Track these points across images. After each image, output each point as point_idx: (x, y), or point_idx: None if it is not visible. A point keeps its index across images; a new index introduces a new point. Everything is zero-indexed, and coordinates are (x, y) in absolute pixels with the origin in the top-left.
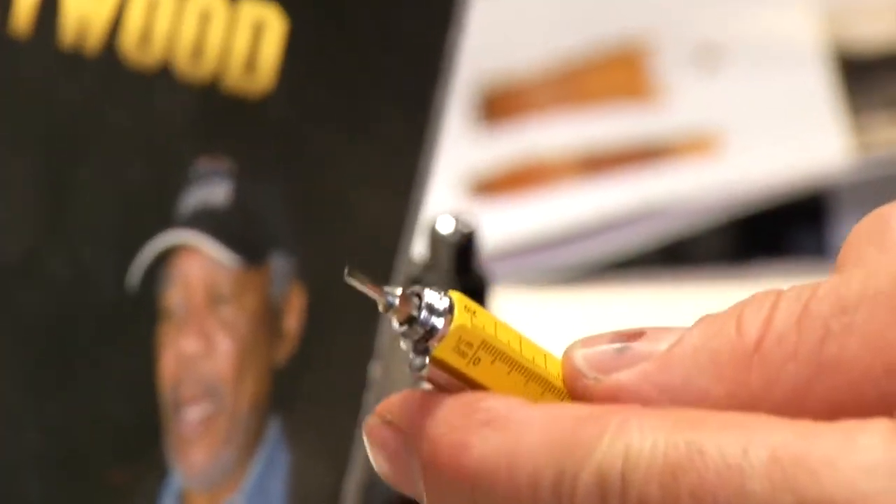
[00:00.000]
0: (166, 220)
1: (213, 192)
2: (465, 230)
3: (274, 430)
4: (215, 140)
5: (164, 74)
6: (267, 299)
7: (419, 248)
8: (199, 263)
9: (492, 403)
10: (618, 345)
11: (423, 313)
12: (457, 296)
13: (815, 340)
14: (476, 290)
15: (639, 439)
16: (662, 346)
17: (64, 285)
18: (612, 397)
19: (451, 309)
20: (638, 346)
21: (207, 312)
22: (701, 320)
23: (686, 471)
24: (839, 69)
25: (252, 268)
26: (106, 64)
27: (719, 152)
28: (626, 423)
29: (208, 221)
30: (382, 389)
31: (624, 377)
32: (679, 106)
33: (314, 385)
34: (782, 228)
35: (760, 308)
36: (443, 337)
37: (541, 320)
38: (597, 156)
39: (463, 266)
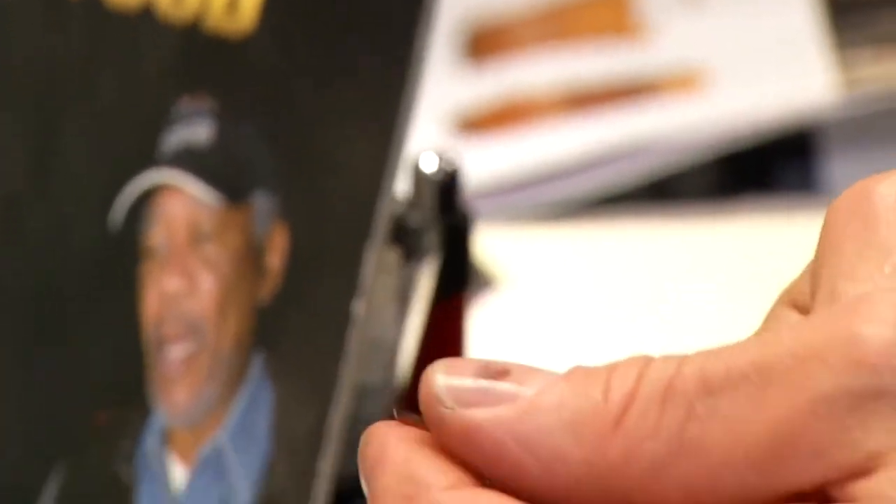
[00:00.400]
0: (149, 159)
1: (195, 131)
2: (449, 168)
3: (257, 367)
4: (197, 80)
5: (146, 16)
6: (249, 238)
7: (402, 186)
8: (182, 202)
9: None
10: (482, 381)
11: None
12: None
13: (678, 421)
14: (459, 228)
15: None
16: (527, 390)
17: (48, 228)
18: (466, 434)
19: None
20: (502, 386)
21: (190, 251)
22: (572, 372)
23: None
24: (825, 5)
25: (234, 206)
26: (89, 6)
27: (705, 88)
28: None
29: (190, 160)
30: (366, 326)
31: (481, 415)
32: (664, 42)
33: (297, 323)
34: (769, 164)
35: (627, 376)
36: None
37: (526, 257)
38: (582, 93)
39: (446, 204)
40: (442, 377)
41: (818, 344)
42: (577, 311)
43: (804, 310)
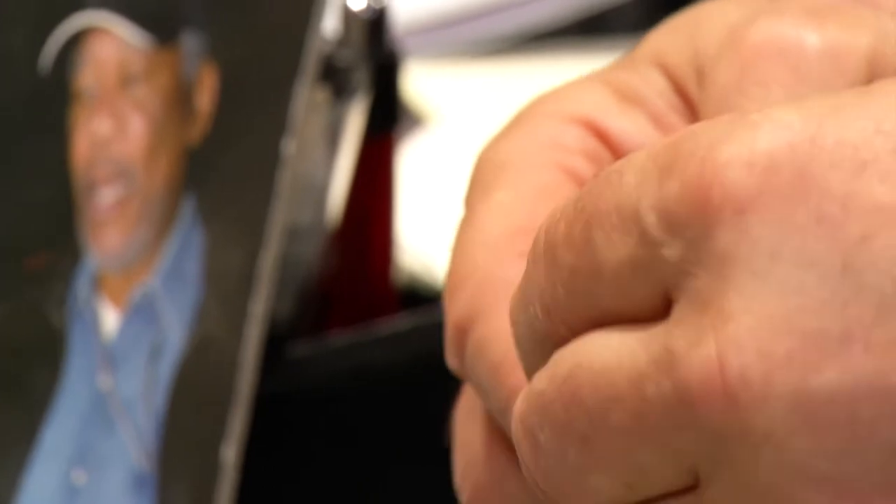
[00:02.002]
0: (77, 2)
1: None
2: (377, 5)
3: (188, 209)
4: None
5: None
6: (179, 79)
7: (331, 24)
8: (111, 44)
9: None
10: None
11: None
12: None
13: None
14: (388, 65)
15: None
16: None
17: None
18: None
19: None
20: None
21: (120, 93)
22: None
23: (583, 200)
24: None
25: (164, 47)
26: None
27: None
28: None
29: (118, 1)
30: (296, 166)
31: None
32: None
33: (228, 163)
34: None
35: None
36: None
37: (456, 94)
38: None
39: (375, 42)
40: None
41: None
42: None
43: (679, 89)
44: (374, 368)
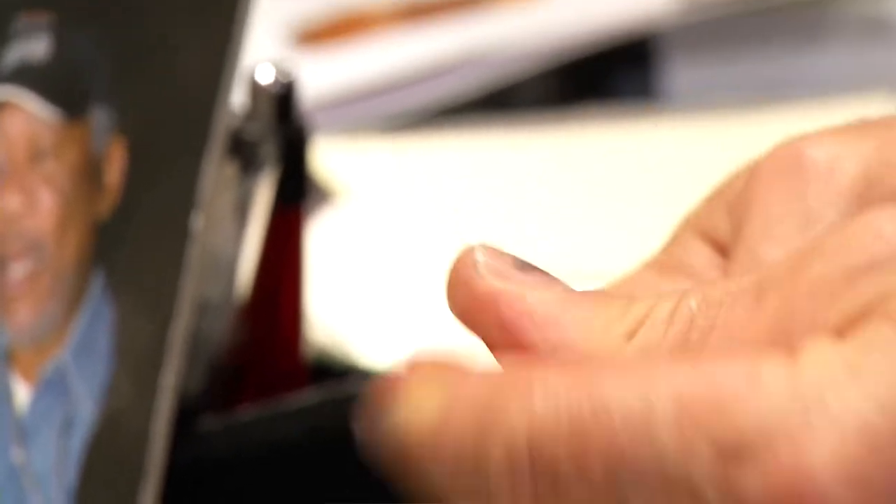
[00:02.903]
0: None
1: (32, 46)
2: (285, 79)
3: (98, 284)
4: None
5: None
6: (88, 153)
7: (239, 98)
8: (21, 119)
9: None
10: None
11: None
12: None
13: (682, 331)
14: (296, 139)
15: (542, 405)
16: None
17: None
18: (491, 298)
19: None
20: (540, 274)
21: (29, 168)
22: (597, 291)
23: (593, 433)
24: None
25: (73, 122)
26: None
27: None
28: (530, 388)
29: (28, 76)
30: (204, 240)
31: (509, 286)
32: None
33: (137, 238)
34: (608, 72)
35: (643, 305)
36: None
37: (364, 170)
38: (420, 4)
39: (283, 116)
40: (480, 253)
41: (817, 245)
42: (417, 223)
43: (718, 247)
44: (284, 442)
